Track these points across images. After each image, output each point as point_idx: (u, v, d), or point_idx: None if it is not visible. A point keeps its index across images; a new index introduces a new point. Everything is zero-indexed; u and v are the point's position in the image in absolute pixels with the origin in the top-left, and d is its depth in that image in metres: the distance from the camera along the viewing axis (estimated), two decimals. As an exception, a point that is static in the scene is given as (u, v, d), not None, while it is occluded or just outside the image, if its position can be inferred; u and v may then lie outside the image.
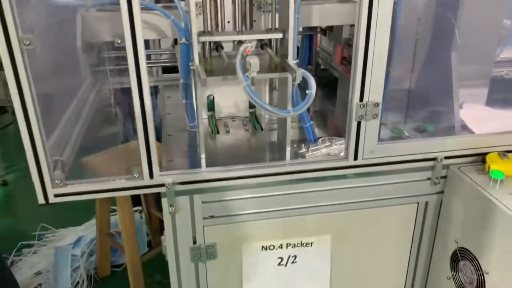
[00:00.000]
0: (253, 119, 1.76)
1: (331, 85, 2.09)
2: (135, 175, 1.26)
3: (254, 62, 1.20)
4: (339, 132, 1.57)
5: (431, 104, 1.66)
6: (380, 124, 1.36)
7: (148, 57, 2.23)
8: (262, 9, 1.55)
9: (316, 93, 1.32)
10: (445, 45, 1.51)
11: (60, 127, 1.39)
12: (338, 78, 1.96)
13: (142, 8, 1.14)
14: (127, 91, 1.25)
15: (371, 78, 1.25)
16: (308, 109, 1.45)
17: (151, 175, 1.26)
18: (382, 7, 1.17)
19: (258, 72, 1.29)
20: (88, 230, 2.80)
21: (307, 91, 1.28)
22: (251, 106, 1.80)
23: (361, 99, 1.27)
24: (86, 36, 1.48)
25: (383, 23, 1.20)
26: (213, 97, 1.75)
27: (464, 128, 1.62)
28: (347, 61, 1.94)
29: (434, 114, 1.67)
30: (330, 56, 2.11)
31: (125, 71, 1.20)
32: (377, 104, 1.28)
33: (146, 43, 1.83)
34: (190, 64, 1.38)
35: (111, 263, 2.65)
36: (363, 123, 1.31)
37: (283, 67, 1.39)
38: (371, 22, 1.19)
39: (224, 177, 1.33)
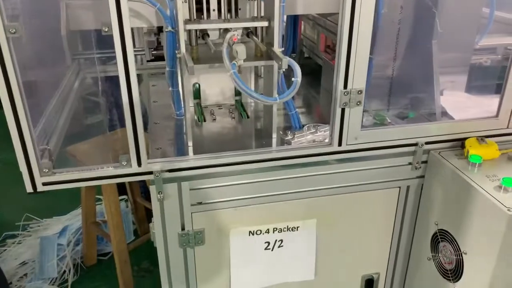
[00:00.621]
0: (239, 107, 1.78)
1: (315, 72, 2.11)
2: (123, 163, 1.27)
3: (241, 49, 1.22)
4: (323, 119, 1.60)
5: (412, 91, 1.70)
6: (364, 111, 1.40)
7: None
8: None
9: (300, 80, 1.35)
10: (426, 33, 1.55)
11: (46, 116, 1.38)
12: (322, 66, 1.99)
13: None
14: (113, 80, 1.26)
15: (355, 66, 1.28)
16: (293, 97, 1.48)
17: (139, 163, 1.28)
18: (365, -5, 1.20)
19: (244, 60, 1.31)
20: (73, 219, 2.80)
21: (292, 79, 1.31)
22: (237, 93, 1.82)
23: (345, 86, 1.30)
24: (71, 24, 1.47)
25: (366, 12, 1.22)
26: (199, 85, 1.76)
27: (445, 114, 1.67)
28: (331, 49, 1.97)
29: (416, 101, 1.71)
30: (314, 44, 2.14)
31: (112, 59, 1.20)
32: (360, 91, 1.32)
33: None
34: (176, 52, 1.39)
35: (98, 252, 2.66)
36: (347, 110, 1.34)
37: (269, 55, 1.41)
38: (354, 11, 1.22)
39: (211, 164, 1.35)
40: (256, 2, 1.43)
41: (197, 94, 1.78)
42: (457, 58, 1.74)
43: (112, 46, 1.15)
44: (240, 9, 1.65)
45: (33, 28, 1.40)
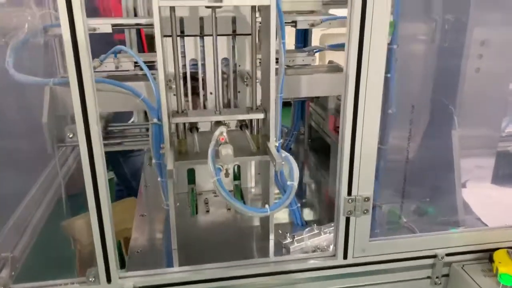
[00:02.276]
0: (237, 194, 1.62)
1: (325, 150, 1.96)
2: (90, 279, 1.10)
3: (227, 153, 1.07)
4: (332, 205, 1.42)
5: (431, 182, 1.51)
6: (374, 206, 1.21)
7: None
8: (245, 83, 1.43)
9: (309, 160, 1.19)
10: (444, 125, 1.38)
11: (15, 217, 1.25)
12: (331, 145, 1.83)
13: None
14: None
15: (360, 170, 1.10)
16: (300, 182, 1.31)
17: (108, 279, 1.10)
18: (369, 96, 1.04)
19: (237, 155, 1.16)
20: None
21: (288, 182, 1.14)
22: (236, 177, 1.66)
23: (349, 192, 1.13)
24: (56, 109, 1.37)
25: (371, 113, 1.06)
26: (194, 169, 1.61)
27: (469, 210, 1.47)
28: (338, 130, 1.80)
29: (436, 193, 1.52)
30: (323, 120, 1.99)
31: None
32: (367, 199, 1.13)
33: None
34: (161, 146, 1.25)
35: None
36: (352, 219, 1.15)
37: (265, 150, 1.25)
38: (357, 112, 1.06)
39: (196, 279, 1.16)
40: (249, 89, 1.29)
41: (192, 178, 1.62)
42: (481, 145, 1.55)
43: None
44: (239, 92, 1.52)
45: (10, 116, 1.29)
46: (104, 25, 1.41)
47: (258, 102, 1.56)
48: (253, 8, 1.19)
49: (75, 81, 0.94)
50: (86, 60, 0.94)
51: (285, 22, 1.14)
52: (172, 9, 1.14)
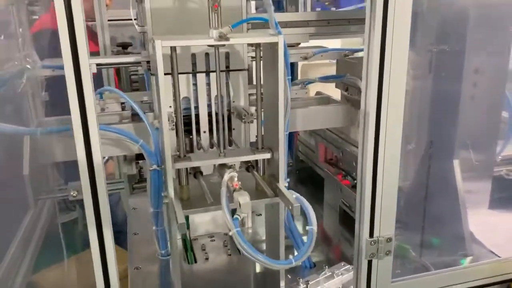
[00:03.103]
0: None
1: (315, 182, 1.91)
2: None
3: (245, 202, 0.99)
4: (328, 240, 1.35)
5: (433, 214, 1.49)
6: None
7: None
8: (243, 120, 1.37)
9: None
10: (444, 155, 1.37)
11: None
12: (324, 178, 1.79)
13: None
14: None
15: (381, 210, 1.06)
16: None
17: None
18: (390, 133, 1.00)
19: (251, 198, 1.08)
20: None
21: (307, 227, 1.07)
22: (231, 218, 1.57)
23: (371, 234, 1.07)
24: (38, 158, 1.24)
25: (392, 150, 1.02)
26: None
27: (474, 238, 1.46)
28: (334, 164, 1.77)
29: (439, 225, 1.50)
30: (312, 152, 1.95)
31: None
32: (389, 239, 1.08)
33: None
34: (163, 194, 1.15)
35: None
36: (374, 262, 1.10)
37: (274, 191, 1.18)
38: (378, 151, 1.02)
39: None
40: (255, 127, 1.22)
41: (186, 224, 1.52)
42: (478, 170, 1.56)
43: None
44: (234, 129, 1.45)
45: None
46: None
47: (252, 139, 1.52)
48: (256, 46, 1.13)
49: (79, 130, 0.84)
50: (91, 104, 0.84)
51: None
52: (173, 48, 1.07)
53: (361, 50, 1.71)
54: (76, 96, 0.87)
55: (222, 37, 1.04)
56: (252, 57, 1.47)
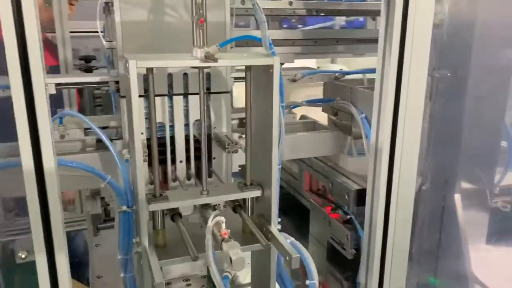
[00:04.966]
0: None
1: (297, 212, 1.76)
2: None
3: (238, 258, 0.82)
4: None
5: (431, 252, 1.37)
6: None
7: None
8: (226, 149, 1.20)
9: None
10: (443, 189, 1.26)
11: None
12: (310, 210, 1.64)
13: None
14: None
15: (392, 261, 0.91)
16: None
17: None
18: (403, 177, 0.87)
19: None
20: None
21: (307, 282, 0.92)
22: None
23: (380, 287, 0.93)
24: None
25: (405, 195, 0.89)
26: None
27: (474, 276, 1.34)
28: (320, 195, 1.63)
29: (438, 263, 1.38)
30: (294, 179, 1.80)
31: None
32: (400, 292, 0.94)
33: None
34: (134, 241, 0.97)
35: None
36: (383, 318, 0.95)
37: (264, 235, 1.02)
38: (391, 196, 0.88)
39: None
40: (227, 155, 1.07)
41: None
42: (473, 203, 1.46)
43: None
44: (214, 158, 1.28)
45: None
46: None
47: (234, 169, 1.36)
48: (247, 68, 0.98)
49: (31, 171, 0.66)
50: (48, 141, 0.67)
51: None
52: (150, 69, 0.90)
53: (353, 72, 1.60)
54: (27, 125, 0.69)
55: (209, 57, 0.88)
56: (235, 78, 1.31)
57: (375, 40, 1.33)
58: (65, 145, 1.17)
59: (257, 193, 1.03)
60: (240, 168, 1.39)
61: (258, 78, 1.01)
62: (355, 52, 1.68)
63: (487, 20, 1.19)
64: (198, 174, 1.25)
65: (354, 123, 1.43)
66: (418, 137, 0.85)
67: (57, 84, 1.15)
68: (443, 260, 1.36)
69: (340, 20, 2.19)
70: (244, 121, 1.71)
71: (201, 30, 0.90)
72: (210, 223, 0.90)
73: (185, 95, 1.21)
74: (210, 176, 1.28)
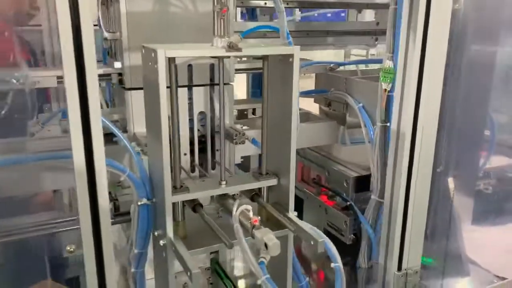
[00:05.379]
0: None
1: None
2: None
3: (274, 243, 0.83)
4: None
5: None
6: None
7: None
8: (234, 140, 1.21)
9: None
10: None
11: None
12: (304, 199, 1.67)
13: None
14: None
15: (411, 239, 0.96)
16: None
17: None
18: (423, 158, 0.92)
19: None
20: None
21: (332, 264, 0.95)
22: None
23: (399, 267, 0.97)
24: None
25: (423, 178, 0.93)
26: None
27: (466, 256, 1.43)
28: (316, 183, 1.66)
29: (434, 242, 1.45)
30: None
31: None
32: (416, 271, 0.99)
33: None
34: (156, 233, 0.96)
35: None
36: (401, 296, 1.00)
37: (279, 221, 1.04)
38: (412, 172, 0.92)
39: None
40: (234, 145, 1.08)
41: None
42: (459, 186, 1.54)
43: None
44: (218, 150, 1.28)
45: None
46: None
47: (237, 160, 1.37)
48: (265, 58, 0.99)
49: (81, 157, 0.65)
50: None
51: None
52: (173, 59, 0.89)
53: (348, 63, 1.65)
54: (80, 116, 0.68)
55: (232, 47, 0.88)
56: (236, 70, 1.32)
57: (360, 33, 1.38)
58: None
59: (273, 181, 1.05)
60: (242, 160, 1.40)
61: (274, 68, 1.02)
62: (341, 44, 1.73)
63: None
64: (202, 166, 1.25)
65: (349, 112, 1.47)
66: (436, 121, 0.90)
67: (59, 77, 1.11)
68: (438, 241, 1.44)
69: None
70: (245, 112, 1.74)
71: (222, 20, 0.90)
72: (236, 211, 0.91)
73: (189, 87, 1.20)
74: (213, 168, 1.28)
